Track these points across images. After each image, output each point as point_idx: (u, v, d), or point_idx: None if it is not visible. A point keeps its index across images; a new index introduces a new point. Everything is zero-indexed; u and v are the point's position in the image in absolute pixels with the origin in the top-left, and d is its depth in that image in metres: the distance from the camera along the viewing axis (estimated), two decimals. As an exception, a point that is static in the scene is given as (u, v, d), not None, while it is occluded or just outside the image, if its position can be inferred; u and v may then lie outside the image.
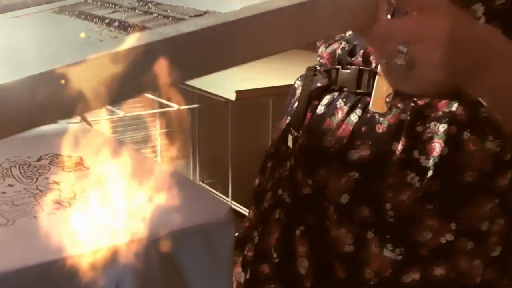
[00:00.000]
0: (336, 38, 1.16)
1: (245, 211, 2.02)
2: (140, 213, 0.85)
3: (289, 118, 1.25)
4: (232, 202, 2.16)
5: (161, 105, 2.03)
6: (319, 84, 1.18)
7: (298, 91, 1.30)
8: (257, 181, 1.36)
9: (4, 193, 0.91)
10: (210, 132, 2.61)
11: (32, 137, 1.19)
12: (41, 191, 0.92)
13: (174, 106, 1.76)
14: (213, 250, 0.84)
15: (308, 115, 1.18)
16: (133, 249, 0.77)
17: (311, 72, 1.19)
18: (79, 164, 1.04)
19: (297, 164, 1.20)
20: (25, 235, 0.78)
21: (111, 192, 0.92)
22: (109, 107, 1.80)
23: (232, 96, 1.59)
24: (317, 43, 1.24)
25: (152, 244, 0.78)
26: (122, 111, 1.72)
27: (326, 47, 1.16)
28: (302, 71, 1.83)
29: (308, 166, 1.17)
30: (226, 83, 1.66)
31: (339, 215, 1.11)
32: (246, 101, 1.70)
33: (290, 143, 1.20)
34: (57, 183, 0.95)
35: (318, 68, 1.18)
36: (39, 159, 1.05)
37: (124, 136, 2.32)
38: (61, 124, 1.37)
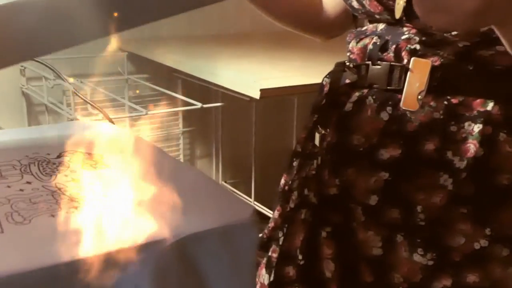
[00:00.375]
0: (368, 33, 1.12)
1: (268, 212, 1.99)
2: (161, 214, 0.82)
3: (316, 115, 1.22)
4: (255, 202, 2.13)
5: (184, 103, 2.01)
6: (347, 81, 1.14)
7: (326, 88, 1.26)
8: (282, 181, 1.33)
9: (21, 190, 0.89)
10: (233, 131, 2.59)
11: (53, 134, 1.18)
12: (59, 188, 0.90)
13: (198, 105, 1.74)
14: (235, 252, 0.80)
15: (336, 112, 1.14)
16: (153, 251, 0.74)
17: (340, 68, 1.15)
18: (100, 162, 1.01)
19: (324, 163, 1.16)
20: (41, 234, 0.76)
21: (132, 191, 0.90)
22: (132, 105, 1.79)
23: (256, 95, 1.56)
24: (347, 38, 1.20)
25: (173, 246, 0.75)
26: (145, 110, 1.70)
27: (357, 42, 1.12)
28: (328, 69, 1.78)
29: (335, 165, 1.13)
30: (250, 81, 1.63)
31: (367, 216, 1.08)
32: (270, 99, 1.67)
33: (317, 141, 1.16)
34: (77, 180, 0.93)
35: (348, 63, 1.14)
36: (59, 156, 1.03)
37: (146, 134, 2.30)
38: (83, 122, 1.36)
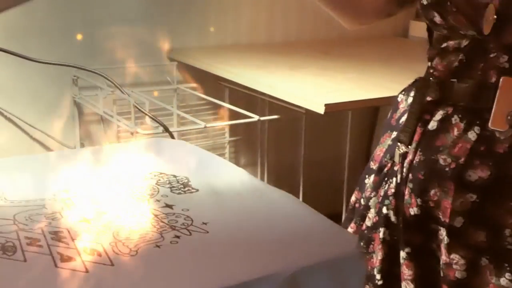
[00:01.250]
0: (451, 49, 1.10)
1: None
2: (269, 246, 0.80)
3: (394, 132, 1.19)
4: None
5: (232, 112, 2.01)
6: (429, 98, 1.12)
7: (402, 105, 1.24)
8: (353, 197, 1.30)
9: (118, 217, 0.88)
10: (280, 141, 2.57)
11: (133, 154, 1.17)
12: (156, 215, 0.88)
13: (255, 117, 1.73)
14: (344, 285, 0.79)
15: (419, 130, 1.11)
16: (268, 285, 0.72)
17: (423, 84, 1.13)
18: (187, 185, 1.00)
19: (405, 181, 1.14)
20: (151, 267, 0.75)
21: (228, 221, 0.89)
22: (190, 118, 1.78)
23: (320, 109, 1.55)
24: (427, 53, 1.17)
25: (286, 280, 0.73)
26: (204, 122, 1.69)
27: (442, 59, 1.10)
28: (382, 82, 1.76)
29: (418, 184, 1.10)
30: (311, 95, 1.62)
31: (452, 239, 1.05)
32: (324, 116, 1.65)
33: (396, 159, 1.14)
34: (170, 206, 0.92)
35: (431, 80, 1.12)
36: (145, 179, 1.02)
37: (193, 143, 2.29)
38: (157, 140, 1.35)
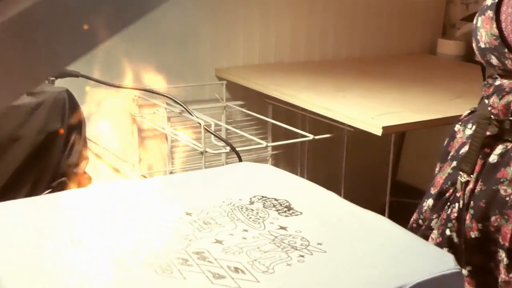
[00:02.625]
0: (508, 90, 1.25)
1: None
2: (379, 264, 0.93)
3: (454, 162, 1.34)
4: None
5: (275, 126, 2.13)
6: (489, 133, 1.27)
7: (459, 135, 1.38)
8: (413, 217, 1.45)
9: (244, 238, 1.01)
10: (319, 155, 2.71)
11: (229, 178, 1.30)
12: (275, 237, 1.02)
13: (310, 136, 1.86)
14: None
15: (479, 162, 1.27)
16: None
17: (485, 121, 1.28)
18: (290, 208, 1.13)
19: (466, 208, 1.29)
20: (291, 283, 0.88)
21: (338, 241, 1.02)
22: (254, 138, 1.92)
23: (377, 131, 1.68)
24: (483, 92, 1.32)
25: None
26: (265, 142, 1.82)
27: (500, 99, 1.25)
28: (428, 102, 1.90)
29: (479, 212, 1.26)
30: (367, 117, 1.75)
31: (511, 260, 1.21)
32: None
33: (459, 186, 1.28)
34: (284, 228, 1.05)
35: (492, 117, 1.27)
36: (251, 202, 1.15)
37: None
38: (245, 164, 1.48)
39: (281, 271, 0.91)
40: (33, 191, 1.44)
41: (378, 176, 2.68)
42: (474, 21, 1.29)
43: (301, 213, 1.12)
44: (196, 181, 1.28)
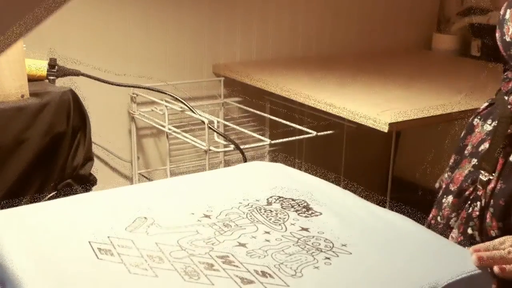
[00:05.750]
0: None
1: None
2: (405, 265, 0.92)
3: (474, 159, 1.32)
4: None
5: (272, 121, 2.13)
6: (510, 131, 1.26)
7: (478, 130, 1.37)
8: (430, 215, 1.44)
9: (267, 240, 0.99)
10: (317, 150, 2.70)
11: (243, 179, 1.28)
12: (299, 239, 1.00)
13: (313, 133, 1.85)
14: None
15: (501, 160, 1.25)
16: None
17: (506, 120, 1.26)
18: (309, 209, 1.12)
19: (487, 206, 1.28)
20: (318, 287, 0.86)
21: (363, 242, 1.00)
22: (257, 135, 1.90)
23: (383, 128, 1.67)
24: (503, 86, 1.31)
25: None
26: (268, 139, 1.81)
27: None
28: (432, 100, 1.89)
29: (499, 210, 1.25)
30: (373, 113, 1.74)
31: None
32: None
33: (480, 185, 1.27)
34: (306, 229, 1.03)
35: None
36: (269, 203, 1.14)
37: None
38: (257, 163, 1.46)
39: (309, 274, 0.89)
40: (39, 193, 1.41)
41: (376, 171, 2.68)
42: (502, 12, 1.27)
43: (321, 213, 1.10)
44: (209, 181, 1.26)
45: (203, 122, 1.78)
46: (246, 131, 1.93)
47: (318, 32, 2.66)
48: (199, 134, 2.01)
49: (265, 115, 2.20)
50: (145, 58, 2.21)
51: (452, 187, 1.38)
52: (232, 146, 1.73)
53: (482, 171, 1.27)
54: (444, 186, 1.42)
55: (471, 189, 1.32)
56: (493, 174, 1.27)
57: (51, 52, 1.87)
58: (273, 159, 2.65)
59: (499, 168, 1.26)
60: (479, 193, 1.28)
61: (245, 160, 1.76)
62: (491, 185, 1.27)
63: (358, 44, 2.79)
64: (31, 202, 1.29)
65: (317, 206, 1.13)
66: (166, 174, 2.26)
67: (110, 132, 2.16)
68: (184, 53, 2.31)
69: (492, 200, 1.27)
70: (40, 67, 1.60)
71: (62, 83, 1.83)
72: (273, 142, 1.89)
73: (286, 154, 2.65)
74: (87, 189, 1.48)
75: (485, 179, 1.26)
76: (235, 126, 2.04)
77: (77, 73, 1.73)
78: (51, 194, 1.43)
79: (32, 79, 1.49)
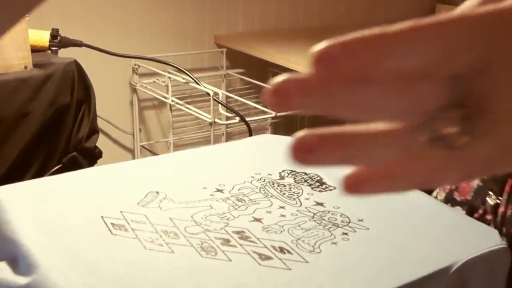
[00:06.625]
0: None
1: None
2: (425, 241, 0.91)
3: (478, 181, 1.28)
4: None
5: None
6: None
7: None
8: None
9: (283, 215, 0.97)
10: (318, 119, 2.67)
11: (252, 152, 1.26)
12: (314, 214, 0.98)
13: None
14: (494, 278, 0.90)
15: (510, 181, 1.21)
16: (441, 278, 0.83)
17: None
18: (323, 183, 1.10)
19: (500, 234, 1.24)
20: (340, 263, 0.85)
21: (380, 217, 0.99)
22: (261, 107, 1.87)
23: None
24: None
25: (452, 274, 0.84)
26: (273, 111, 1.78)
27: None
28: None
29: (511, 238, 1.22)
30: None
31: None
32: None
33: (489, 209, 1.23)
34: (321, 204, 1.02)
35: None
36: (282, 177, 1.12)
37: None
38: (264, 136, 1.44)
39: (328, 250, 0.88)
40: (44, 167, 1.39)
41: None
42: None
43: (335, 187, 1.08)
44: (219, 155, 1.24)
45: (207, 94, 1.75)
46: (249, 102, 1.91)
47: (320, 1, 2.61)
48: (201, 106, 1.98)
49: (268, 86, 2.16)
50: (146, 29, 2.17)
51: (458, 197, 1.33)
52: (237, 119, 1.70)
53: (489, 192, 1.23)
54: (444, 192, 1.36)
55: (480, 211, 1.28)
56: (500, 198, 1.22)
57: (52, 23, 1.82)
58: (275, 132, 2.62)
59: (508, 190, 1.21)
60: (488, 217, 1.24)
61: (250, 133, 1.74)
62: (501, 209, 1.22)
63: (361, 13, 2.75)
64: (36, 176, 1.27)
65: (330, 180, 1.11)
66: (168, 146, 2.23)
67: (111, 104, 2.13)
68: (185, 23, 2.27)
69: (504, 228, 1.23)
70: (42, 37, 1.56)
71: (64, 55, 1.80)
72: (279, 114, 1.86)
73: (287, 126, 2.63)
74: (92, 163, 1.45)
75: (492, 203, 1.22)
76: (238, 98, 2.01)
77: (79, 44, 1.69)
78: (56, 168, 1.40)
79: (34, 50, 1.45)
